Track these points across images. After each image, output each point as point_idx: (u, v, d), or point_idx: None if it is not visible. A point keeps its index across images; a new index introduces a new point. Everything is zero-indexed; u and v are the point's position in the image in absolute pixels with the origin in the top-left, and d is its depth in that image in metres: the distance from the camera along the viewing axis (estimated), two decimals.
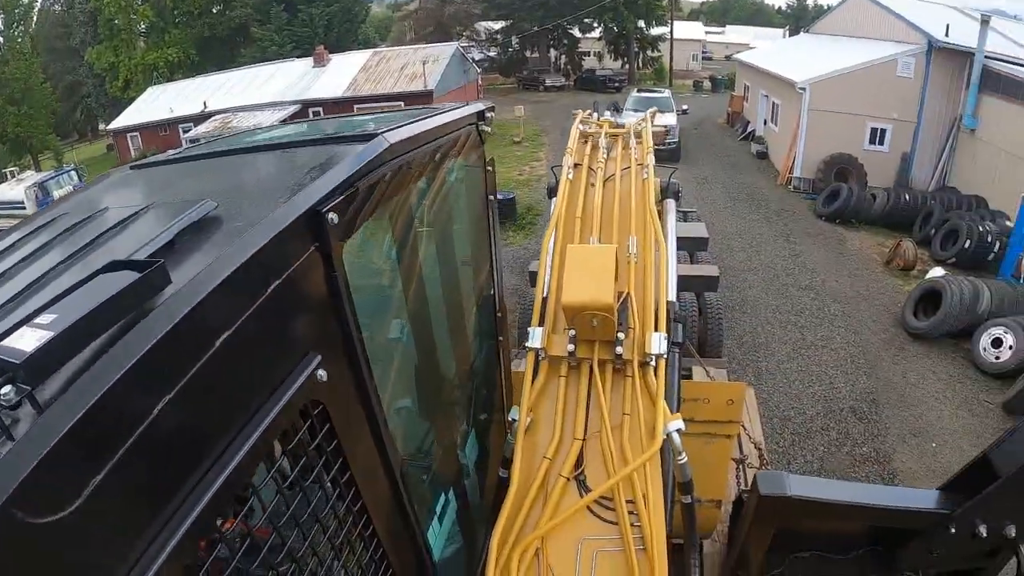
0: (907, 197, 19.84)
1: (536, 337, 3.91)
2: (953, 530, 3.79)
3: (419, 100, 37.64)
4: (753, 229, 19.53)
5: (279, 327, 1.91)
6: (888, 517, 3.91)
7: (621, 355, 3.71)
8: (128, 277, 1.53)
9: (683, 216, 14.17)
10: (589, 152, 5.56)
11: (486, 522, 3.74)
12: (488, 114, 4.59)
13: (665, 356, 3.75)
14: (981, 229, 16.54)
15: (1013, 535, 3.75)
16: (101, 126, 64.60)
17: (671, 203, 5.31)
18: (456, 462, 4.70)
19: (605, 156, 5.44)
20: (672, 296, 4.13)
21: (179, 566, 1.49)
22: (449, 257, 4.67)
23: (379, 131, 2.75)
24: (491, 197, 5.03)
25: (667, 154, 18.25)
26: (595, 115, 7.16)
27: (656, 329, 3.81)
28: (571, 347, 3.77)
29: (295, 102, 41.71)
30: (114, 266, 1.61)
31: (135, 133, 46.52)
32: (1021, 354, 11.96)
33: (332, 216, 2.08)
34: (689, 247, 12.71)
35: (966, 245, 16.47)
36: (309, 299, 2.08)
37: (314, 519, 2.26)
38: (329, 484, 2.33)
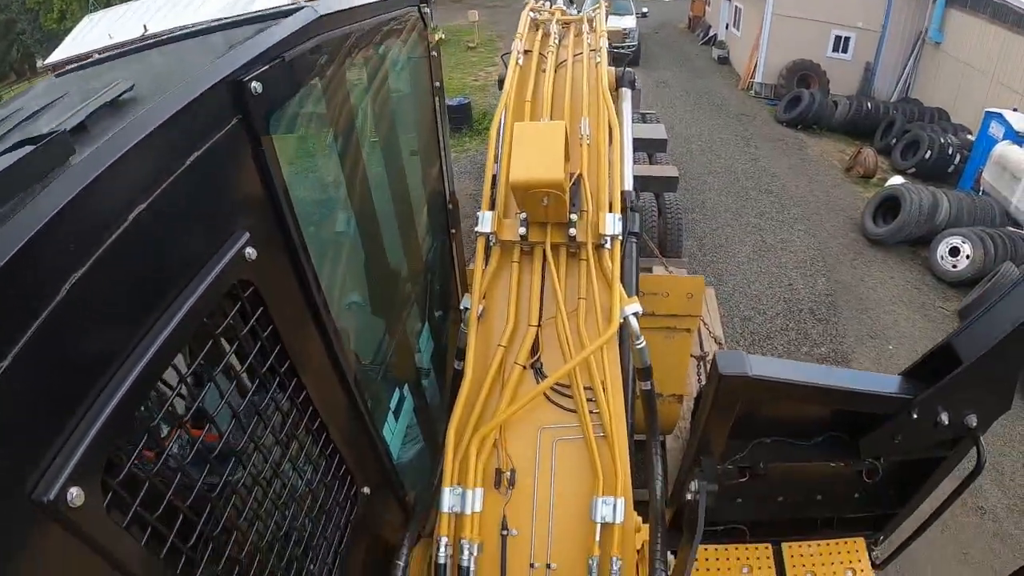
0: (869, 106, 19.55)
1: (486, 221, 3.73)
2: (915, 416, 3.71)
3: None
4: (713, 133, 19.13)
5: (201, 202, 1.81)
6: (849, 399, 3.81)
7: (575, 237, 3.58)
8: (27, 150, 1.43)
9: (642, 117, 14.13)
10: (540, 39, 5.28)
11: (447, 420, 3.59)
12: None
13: (620, 237, 3.63)
14: (942, 141, 16.38)
15: (974, 424, 3.69)
16: (39, 63, 60.98)
17: (626, 91, 5.12)
18: (410, 357, 4.50)
19: (557, 43, 5.15)
20: (628, 185, 4.08)
21: (99, 459, 1.43)
22: (395, 145, 4.46)
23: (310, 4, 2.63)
24: (437, 84, 4.83)
25: (627, 57, 17.76)
26: (547, 3, 6.81)
27: (611, 210, 3.66)
28: (523, 230, 3.62)
29: (241, 16, 39.50)
30: (17, 145, 1.48)
31: (74, 65, 43.90)
32: (978, 264, 11.96)
33: (255, 85, 1.96)
34: (648, 148, 12.58)
35: (927, 156, 16.32)
36: (234, 174, 1.99)
37: (252, 408, 2.21)
38: (268, 373, 2.25)
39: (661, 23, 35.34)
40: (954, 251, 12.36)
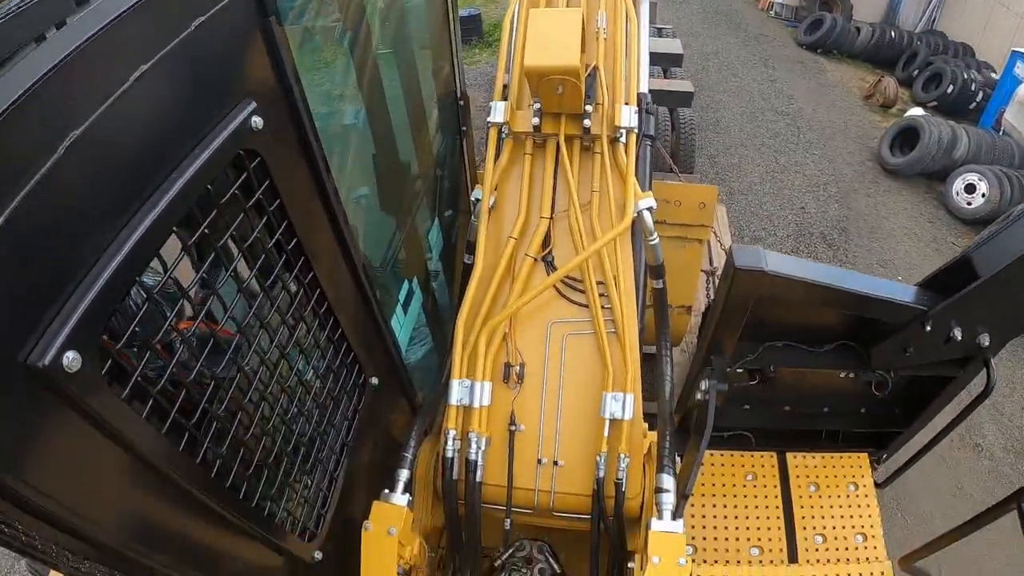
0: (893, 34, 18.85)
1: (498, 111, 3.68)
2: (928, 328, 3.66)
3: None
4: (730, 52, 18.45)
5: (206, 68, 1.78)
6: (863, 305, 3.70)
7: (589, 129, 3.55)
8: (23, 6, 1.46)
9: (658, 32, 14.03)
10: None
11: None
12: None
13: (636, 131, 3.61)
14: (965, 76, 15.78)
15: (986, 344, 3.69)
16: None
17: None
18: (420, 252, 4.53)
19: None
20: (644, 88, 4.00)
21: (97, 324, 1.41)
22: (405, 38, 4.38)
23: None
24: None
25: None
26: None
27: (627, 103, 3.63)
28: (536, 121, 3.57)
29: None
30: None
31: None
32: (993, 203, 11.70)
33: None
34: (663, 63, 12.47)
35: (949, 90, 15.76)
36: (241, 43, 1.94)
37: (258, 285, 2.20)
38: (274, 251, 2.25)
39: None
40: (970, 188, 12.06)
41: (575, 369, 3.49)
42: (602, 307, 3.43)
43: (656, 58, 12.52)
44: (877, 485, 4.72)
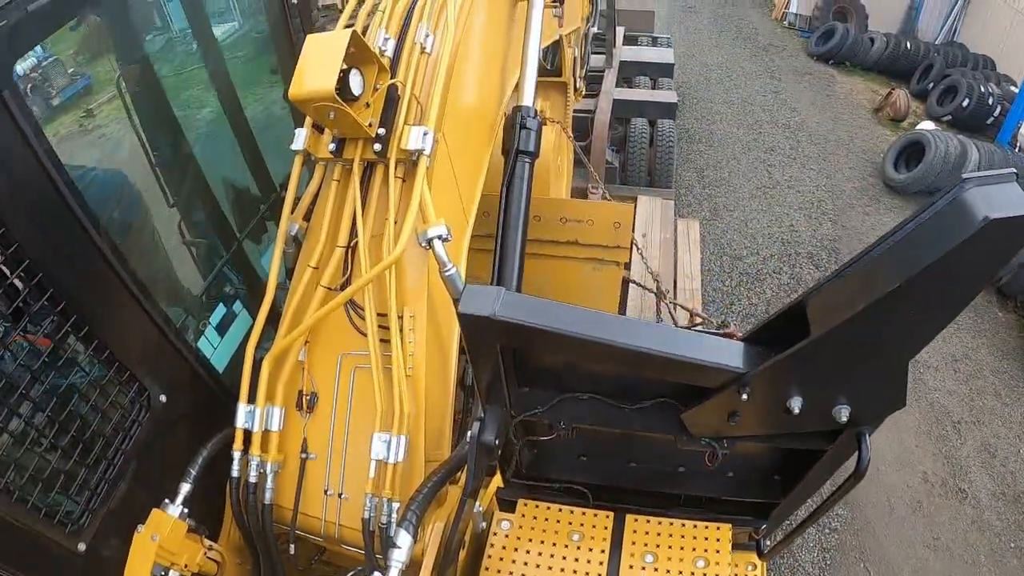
0: (908, 45, 17.97)
1: (299, 139, 3.63)
2: (745, 397, 2.68)
3: None
4: (737, 63, 17.74)
5: None
6: (639, 363, 2.83)
7: (381, 153, 3.44)
8: None
9: (653, 41, 14.43)
10: None
11: None
12: None
13: (427, 153, 3.45)
14: (982, 89, 14.89)
15: (844, 420, 2.64)
16: None
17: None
18: (252, 276, 4.65)
19: None
20: (527, 100, 3.98)
21: None
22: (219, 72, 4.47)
23: None
24: None
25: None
26: None
27: (424, 123, 3.48)
28: (333, 146, 3.51)
29: None
30: None
31: None
32: None
33: None
34: (652, 73, 12.74)
35: (964, 104, 14.90)
36: None
37: None
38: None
39: None
40: None
41: (362, 404, 3.51)
42: (383, 341, 3.40)
43: (644, 68, 12.92)
44: (761, 555, 3.97)
